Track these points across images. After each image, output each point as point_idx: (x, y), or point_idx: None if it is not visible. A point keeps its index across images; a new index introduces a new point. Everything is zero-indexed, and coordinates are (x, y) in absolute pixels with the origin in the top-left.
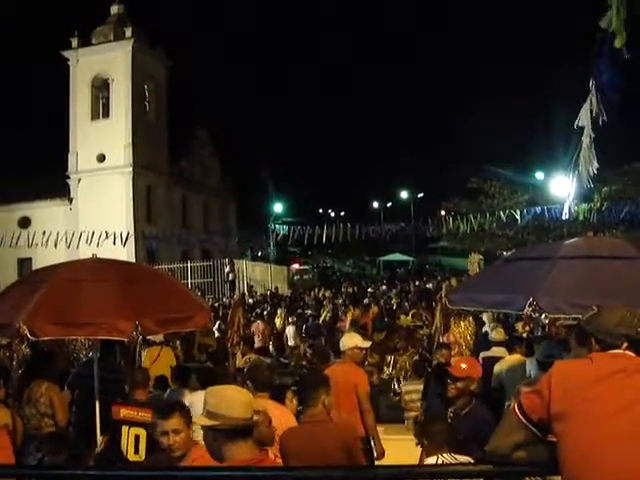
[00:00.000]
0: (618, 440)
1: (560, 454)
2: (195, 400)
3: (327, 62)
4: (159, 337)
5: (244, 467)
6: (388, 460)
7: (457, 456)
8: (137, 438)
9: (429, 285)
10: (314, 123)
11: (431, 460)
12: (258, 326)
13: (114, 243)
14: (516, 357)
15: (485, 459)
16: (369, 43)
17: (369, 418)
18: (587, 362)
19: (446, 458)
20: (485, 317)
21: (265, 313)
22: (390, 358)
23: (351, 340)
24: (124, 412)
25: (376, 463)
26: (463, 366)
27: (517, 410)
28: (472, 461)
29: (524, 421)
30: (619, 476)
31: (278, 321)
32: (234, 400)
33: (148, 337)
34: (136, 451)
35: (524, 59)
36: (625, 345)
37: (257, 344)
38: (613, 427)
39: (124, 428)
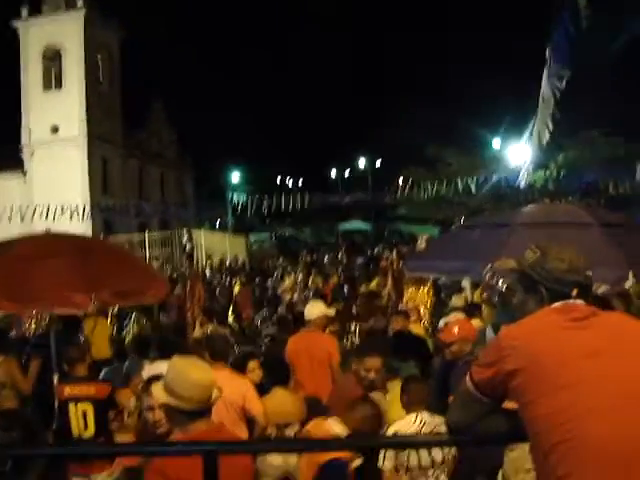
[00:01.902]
0: (597, 406)
1: (528, 427)
2: (154, 371)
3: (286, 26)
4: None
5: (197, 442)
6: None
7: (435, 416)
8: (84, 414)
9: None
10: (271, 91)
11: (411, 417)
12: (240, 292)
13: (70, 217)
14: (477, 322)
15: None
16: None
17: None
18: (539, 324)
19: (425, 417)
20: (466, 282)
21: (220, 283)
22: (351, 326)
23: (318, 308)
24: (68, 390)
25: None
26: (455, 330)
27: (469, 383)
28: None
29: (477, 394)
30: (602, 443)
31: (236, 289)
32: (194, 380)
33: None
34: (85, 427)
35: (484, 27)
36: (575, 292)
37: (240, 309)
38: (581, 395)
39: (71, 406)
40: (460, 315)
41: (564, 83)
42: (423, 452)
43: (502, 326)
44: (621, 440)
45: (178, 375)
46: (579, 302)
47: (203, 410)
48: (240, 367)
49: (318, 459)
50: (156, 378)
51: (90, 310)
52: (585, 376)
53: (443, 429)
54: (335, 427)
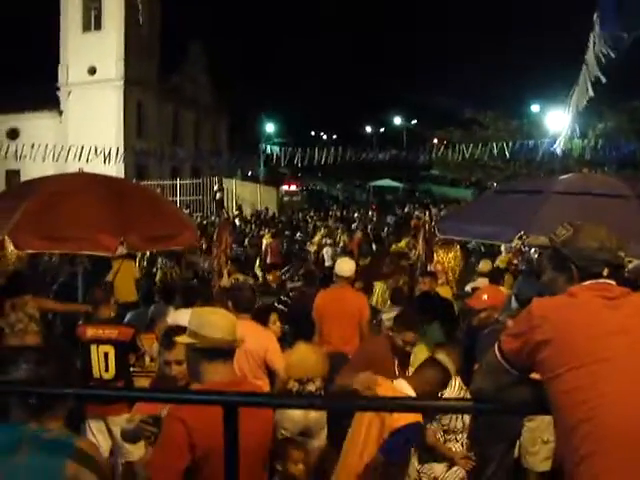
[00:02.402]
0: (621, 386)
1: (552, 401)
2: (178, 318)
3: None
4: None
5: (219, 392)
6: None
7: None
8: (106, 356)
9: (417, 212)
10: (311, 44)
11: (452, 382)
12: (270, 244)
13: (104, 160)
14: (502, 289)
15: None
16: None
17: None
18: (570, 299)
19: (460, 382)
20: (502, 247)
21: (250, 233)
22: (376, 285)
23: (348, 264)
24: (90, 332)
25: None
26: (484, 297)
27: (497, 353)
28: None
29: (505, 365)
30: (623, 425)
31: (265, 242)
32: (217, 324)
33: None
34: (106, 369)
35: None
36: (606, 272)
37: (270, 261)
38: (609, 373)
39: (93, 347)
40: (486, 281)
41: (609, 50)
42: (458, 416)
43: (533, 297)
44: None
45: (200, 319)
46: (610, 282)
47: (225, 351)
48: (261, 319)
49: (392, 423)
50: (175, 331)
51: (118, 253)
52: (613, 354)
53: None
54: (404, 388)
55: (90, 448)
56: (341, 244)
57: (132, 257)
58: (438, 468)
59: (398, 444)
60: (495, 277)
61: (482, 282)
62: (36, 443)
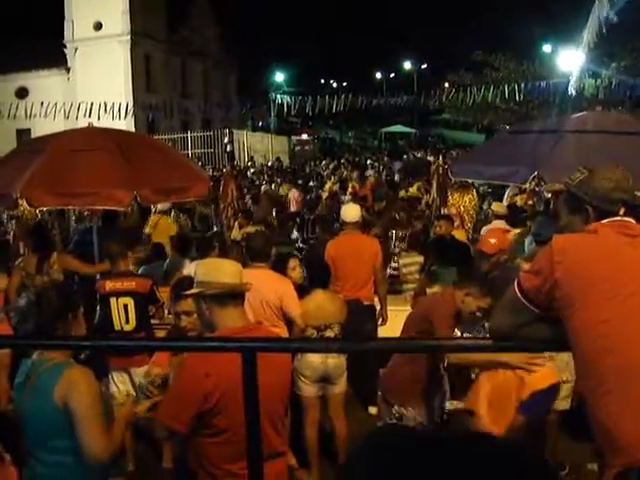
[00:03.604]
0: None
1: (571, 337)
2: (194, 270)
3: None
4: (164, 205)
5: (236, 338)
6: (387, 329)
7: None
8: (126, 307)
9: (430, 157)
10: None
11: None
12: (293, 194)
13: (113, 116)
14: (519, 231)
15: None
16: None
17: (383, 287)
18: (590, 235)
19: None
20: (509, 188)
21: (264, 184)
22: (392, 232)
23: (354, 210)
24: (109, 285)
25: (379, 328)
26: (492, 241)
27: (517, 290)
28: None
29: (524, 302)
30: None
31: (283, 192)
32: (221, 269)
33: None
34: (127, 320)
35: None
36: (623, 211)
37: (293, 209)
38: (631, 307)
39: (112, 300)
40: (500, 223)
41: None
42: None
43: (553, 236)
44: None
45: (205, 267)
46: (629, 219)
47: (234, 295)
48: (280, 267)
49: (533, 383)
50: (186, 283)
51: (159, 209)
52: (632, 290)
53: None
54: None
55: (79, 375)
56: (349, 190)
57: (169, 213)
58: None
59: (541, 404)
60: (513, 218)
61: (498, 224)
62: (37, 372)
